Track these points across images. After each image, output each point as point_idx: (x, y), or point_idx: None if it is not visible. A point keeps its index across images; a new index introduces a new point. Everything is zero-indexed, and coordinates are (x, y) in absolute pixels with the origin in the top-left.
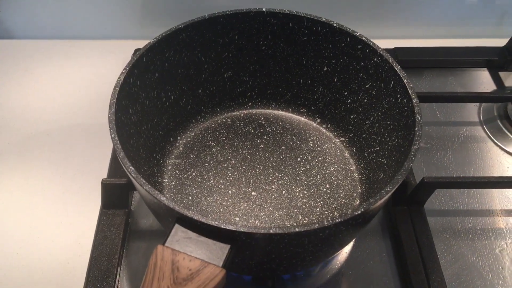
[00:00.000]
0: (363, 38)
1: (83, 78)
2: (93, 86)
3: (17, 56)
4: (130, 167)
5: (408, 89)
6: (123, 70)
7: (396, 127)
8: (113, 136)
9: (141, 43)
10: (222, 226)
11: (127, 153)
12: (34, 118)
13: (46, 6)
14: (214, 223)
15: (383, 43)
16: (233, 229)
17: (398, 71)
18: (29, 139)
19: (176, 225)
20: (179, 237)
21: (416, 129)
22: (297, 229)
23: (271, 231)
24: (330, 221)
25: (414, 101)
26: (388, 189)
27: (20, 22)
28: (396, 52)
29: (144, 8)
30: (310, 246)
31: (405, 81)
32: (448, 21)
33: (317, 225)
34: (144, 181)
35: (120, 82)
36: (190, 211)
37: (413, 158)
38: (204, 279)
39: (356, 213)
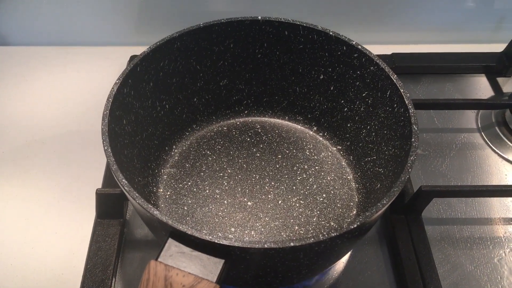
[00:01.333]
0: (360, 47)
1: (79, 84)
2: (89, 92)
3: (12, 63)
4: (123, 180)
5: (405, 99)
6: (117, 80)
7: (393, 137)
8: (106, 148)
9: (137, 50)
10: (216, 241)
11: (120, 164)
12: (29, 126)
13: (41, 13)
14: (208, 237)
15: (380, 49)
16: (227, 243)
17: (394, 80)
18: (24, 147)
19: (170, 239)
20: (172, 251)
21: (413, 139)
22: (292, 244)
23: (265, 246)
24: (326, 235)
25: (410, 111)
26: (385, 201)
27: (15, 29)
28: (393, 58)
29: (140, 15)
30: (305, 259)
31: (401, 90)
32: (445, 26)
33: (312, 239)
34: (137, 194)
35: (114, 93)
36: (184, 226)
37: (410, 170)
38: None
39: (352, 227)
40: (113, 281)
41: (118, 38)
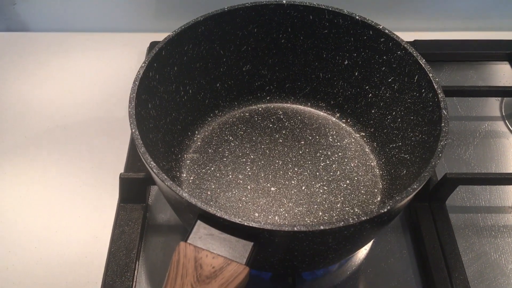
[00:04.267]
0: (386, 31)
1: (98, 71)
2: (109, 79)
3: (32, 49)
4: (152, 163)
5: (434, 84)
6: (143, 64)
7: (420, 122)
8: (133, 130)
9: (157, 36)
10: (245, 224)
11: (147, 148)
12: (50, 112)
13: None
14: (238, 220)
15: (403, 36)
16: (257, 226)
17: (423, 65)
18: (46, 133)
19: (198, 222)
20: (201, 234)
21: (443, 124)
22: (321, 227)
23: (295, 228)
24: (356, 219)
25: (440, 96)
26: (415, 186)
27: (36, 15)
28: (415, 44)
29: (160, 1)
30: (333, 243)
31: (430, 75)
32: (468, 13)
33: (342, 223)
34: (165, 176)
35: (140, 76)
36: (213, 208)
37: (440, 155)
38: (228, 277)
39: (382, 211)
40: (137, 264)
41: (138, 25)
